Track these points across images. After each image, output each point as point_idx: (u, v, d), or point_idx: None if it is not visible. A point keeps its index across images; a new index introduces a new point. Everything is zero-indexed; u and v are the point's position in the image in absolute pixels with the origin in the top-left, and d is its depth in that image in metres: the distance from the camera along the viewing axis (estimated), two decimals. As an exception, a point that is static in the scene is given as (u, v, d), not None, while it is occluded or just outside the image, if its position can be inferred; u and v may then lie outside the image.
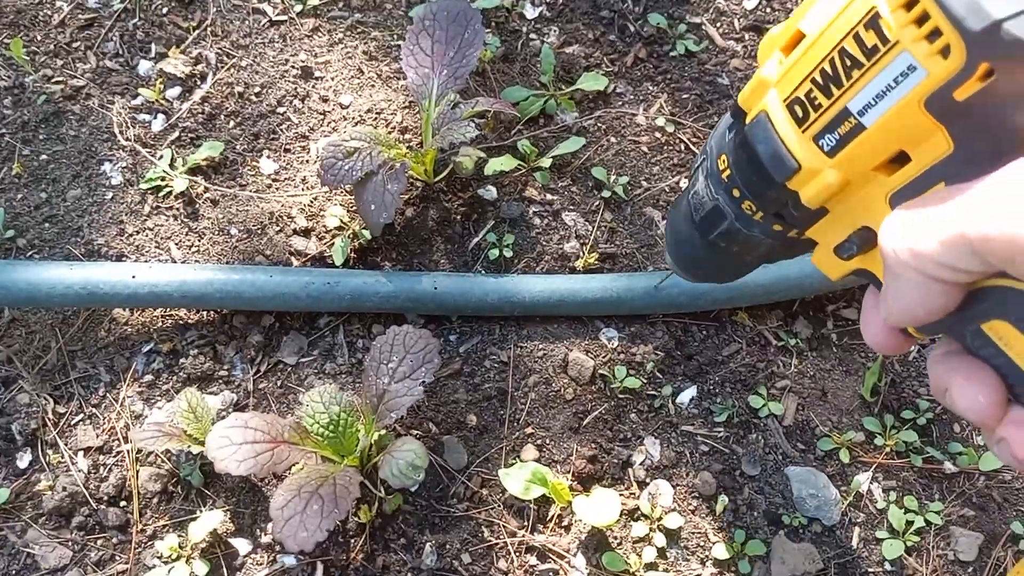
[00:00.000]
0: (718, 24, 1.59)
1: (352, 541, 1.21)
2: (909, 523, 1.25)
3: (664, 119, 1.49)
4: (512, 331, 1.34)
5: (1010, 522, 1.26)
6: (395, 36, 1.53)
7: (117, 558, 1.21)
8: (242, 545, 1.22)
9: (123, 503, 1.25)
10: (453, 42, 1.37)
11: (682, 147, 1.48)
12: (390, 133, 1.44)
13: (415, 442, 1.16)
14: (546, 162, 1.42)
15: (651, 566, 1.21)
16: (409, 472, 1.13)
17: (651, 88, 1.53)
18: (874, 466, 1.29)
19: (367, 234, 1.35)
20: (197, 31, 1.55)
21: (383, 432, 1.22)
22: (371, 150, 1.28)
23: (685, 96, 1.53)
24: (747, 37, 1.58)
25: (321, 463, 1.18)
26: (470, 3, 1.42)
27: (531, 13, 1.57)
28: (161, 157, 1.45)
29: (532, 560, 1.21)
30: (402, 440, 1.16)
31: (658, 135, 1.49)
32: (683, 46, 1.56)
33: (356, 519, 1.21)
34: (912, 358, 1.37)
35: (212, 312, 1.35)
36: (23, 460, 1.27)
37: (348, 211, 1.39)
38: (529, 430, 1.29)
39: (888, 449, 1.30)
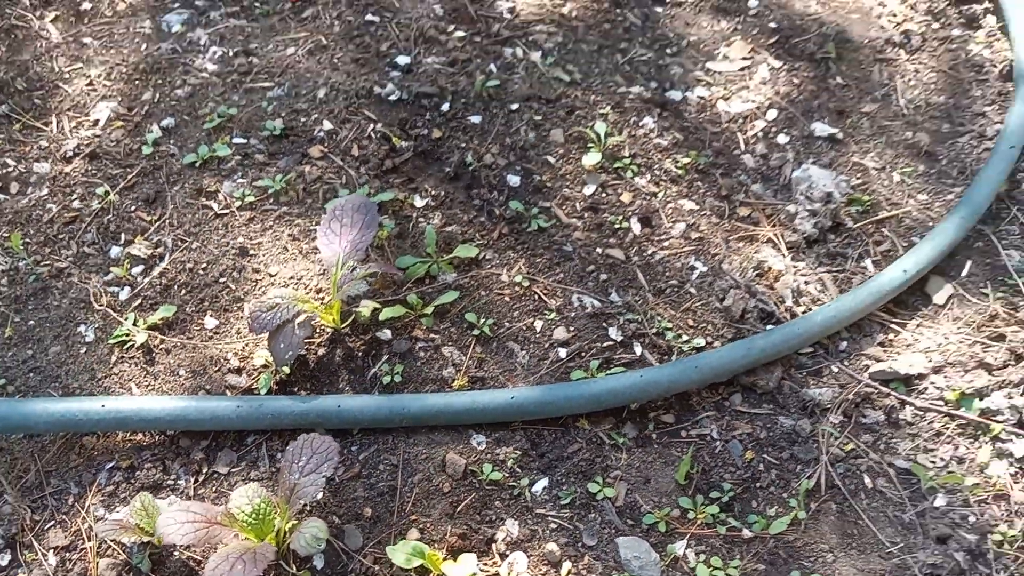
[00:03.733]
0: (564, 207, 2.08)
1: (270, 611, 1.52)
2: (713, 576, 1.59)
3: (521, 277, 1.94)
4: (402, 440, 1.71)
5: (791, 573, 1.60)
6: (314, 223, 1.99)
7: (77, 635, 1.50)
8: (180, 618, 1.51)
9: (84, 591, 1.54)
10: (356, 225, 1.82)
11: (536, 297, 1.92)
12: (307, 293, 1.86)
13: (319, 520, 1.50)
14: (429, 310, 1.85)
15: (509, 618, 1.52)
16: (313, 543, 1.46)
17: (512, 255, 1.99)
18: (688, 535, 1.64)
19: (287, 370, 1.73)
20: (158, 223, 1.99)
21: (295, 522, 1.56)
22: (288, 305, 1.70)
23: (538, 260, 1.98)
24: (586, 215, 2.07)
25: (244, 541, 1.51)
26: (369, 198, 1.90)
27: (419, 203, 2.04)
28: (126, 319, 1.84)
29: (415, 618, 1.52)
30: (309, 519, 1.50)
31: (517, 288, 1.93)
32: (536, 224, 2.03)
33: (273, 592, 1.52)
34: (719, 451, 1.75)
35: (163, 435, 1.70)
36: (3, 559, 1.57)
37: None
38: (413, 517, 1.63)
39: (699, 521, 1.66)
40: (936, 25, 2.55)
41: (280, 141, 2.13)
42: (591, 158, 2.14)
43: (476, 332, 1.85)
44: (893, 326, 1.92)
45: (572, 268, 1.98)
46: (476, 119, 2.21)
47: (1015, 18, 2.46)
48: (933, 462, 1.73)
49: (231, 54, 2.31)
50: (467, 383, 1.77)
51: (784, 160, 2.22)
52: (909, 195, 2.18)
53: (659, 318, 1.91)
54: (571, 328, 1.88)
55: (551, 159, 2.16)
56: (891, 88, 2.43)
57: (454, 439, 1.72)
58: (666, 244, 2.05)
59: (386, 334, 1.83)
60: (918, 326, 1.93)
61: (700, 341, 1.88)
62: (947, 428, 1.76)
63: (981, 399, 1.76)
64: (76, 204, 2.04)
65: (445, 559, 1.56)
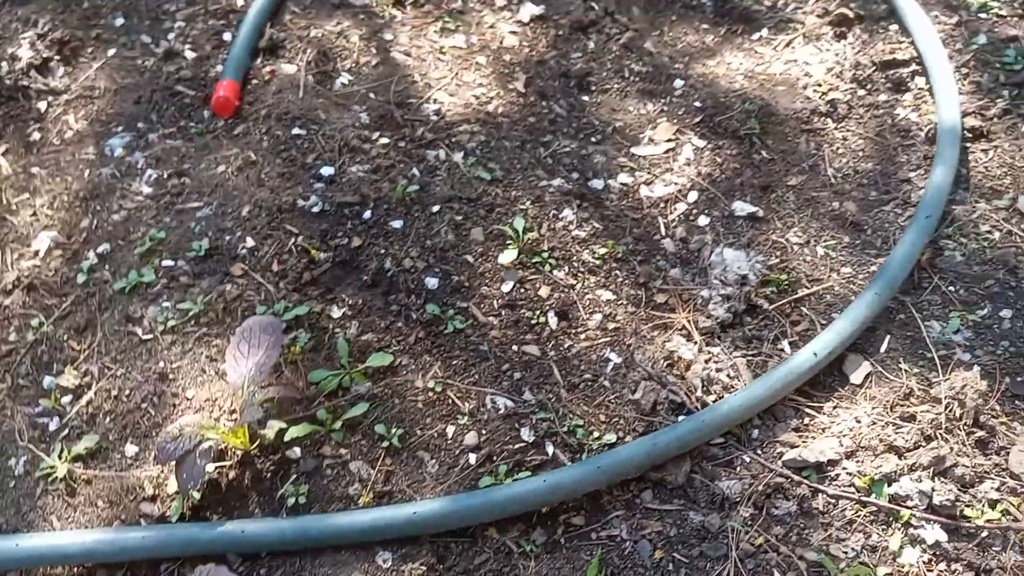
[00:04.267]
0: (481, 306, 2.11)
1: None
2: None
3: (435, 382, 1.97)
4: (308, 561, 1.73)
5: None
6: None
7: None
8: None
9: None
10: (262, 346, 1.87)
11: (449, 402, 1.94)
12: (220, 416, 1.90)
13: (212, 654, 1.52)
14: (338, 425, 1.88)
15: None
16: None
17: (428, 359, 2.02)
18: (594, 643, 1.63)
19: (197, 495, 1.77)
20: (87, 351, 2.07)
21: (198, 651, 1.59)
22: (192, 434, 1.74)
23: (454, 362, 2.01)
24: (503, 313, 2.09)
25: None
26: (278, 317, 1.95)
27: (336, 313, 2.09)
28: (52, 451, 1.91)
29: None
30: (202, 654, 1.53)
31: (430, 394, 1.95)
32: (453, 325, 2.06)
33: None
34: (628, 552, 1.74)
35: (82, 567, 1.75)
36: None
37: (187, 479, 1.83)
38: (318, 640, 1.64)
39: (606, 628, 1.65)
40: (862, 92, 2.56)
41: (205, 261, 2.20)
42: (508, 255, 2.18)
43: (385, 444, 1.87)
44: (808, 410, 1.91)
45: (487, 368, 2.00)
46: (397, 224, 2.26)
47: (939, 77, 2.46)
48: (845, 552, 1.70)
49: (165, 176, 2.41)
50: (373, 499, 1.79)
51: (703, 243, 2.23)
52: (832, 269, 2.17)
53: (571, 415, 1.91)
54: (483, 432, 1.90)
55: (470, 258, 2.20)
56: (819, 158, 2.44)
57: (359, 558, 1.73)
58: (583, 336, 2.06)
59: (296, 452, 1.86)
60: (835, 407, 1.91)
61: (612, 437, 1.88)
62: (859, 516, 1.73)
63: (890, 484, 1.74)
64: (12, 337, 2.12)
65: None
